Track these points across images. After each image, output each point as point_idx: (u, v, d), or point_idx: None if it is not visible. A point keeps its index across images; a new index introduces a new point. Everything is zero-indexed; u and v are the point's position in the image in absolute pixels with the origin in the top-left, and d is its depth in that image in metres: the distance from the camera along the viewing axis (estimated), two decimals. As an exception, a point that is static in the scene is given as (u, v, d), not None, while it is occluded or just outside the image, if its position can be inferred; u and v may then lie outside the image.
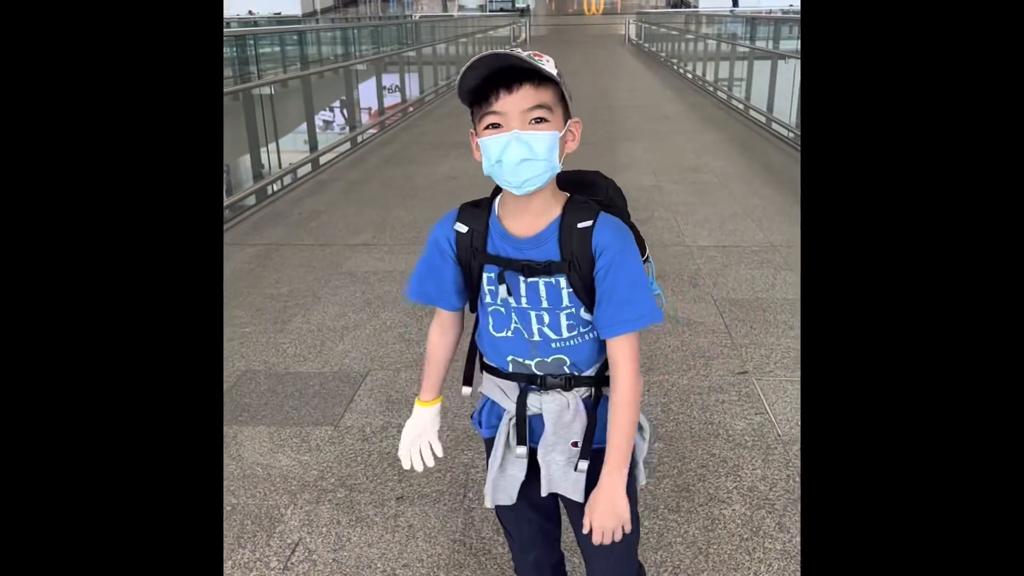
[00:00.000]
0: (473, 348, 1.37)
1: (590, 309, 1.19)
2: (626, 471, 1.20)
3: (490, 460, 1.31)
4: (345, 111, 8.99)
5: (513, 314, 1.22)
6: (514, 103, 1.08)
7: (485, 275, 1.22)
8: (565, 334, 1.21)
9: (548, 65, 1.09)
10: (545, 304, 1.19)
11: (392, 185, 5.97)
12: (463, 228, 1.22)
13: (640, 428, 1.29)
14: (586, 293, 1.18)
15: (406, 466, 1.38)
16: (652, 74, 15.82)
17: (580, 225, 1.16)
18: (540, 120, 1.09)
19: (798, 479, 2.19)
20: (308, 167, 6.64)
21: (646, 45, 22.67)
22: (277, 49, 8.30)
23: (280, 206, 5.48)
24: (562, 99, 1.13)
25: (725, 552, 1.92)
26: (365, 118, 9.51)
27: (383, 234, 4.64)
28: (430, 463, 1.38)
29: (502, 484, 1.31)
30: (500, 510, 1.39)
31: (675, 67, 15.94)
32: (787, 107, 7.83)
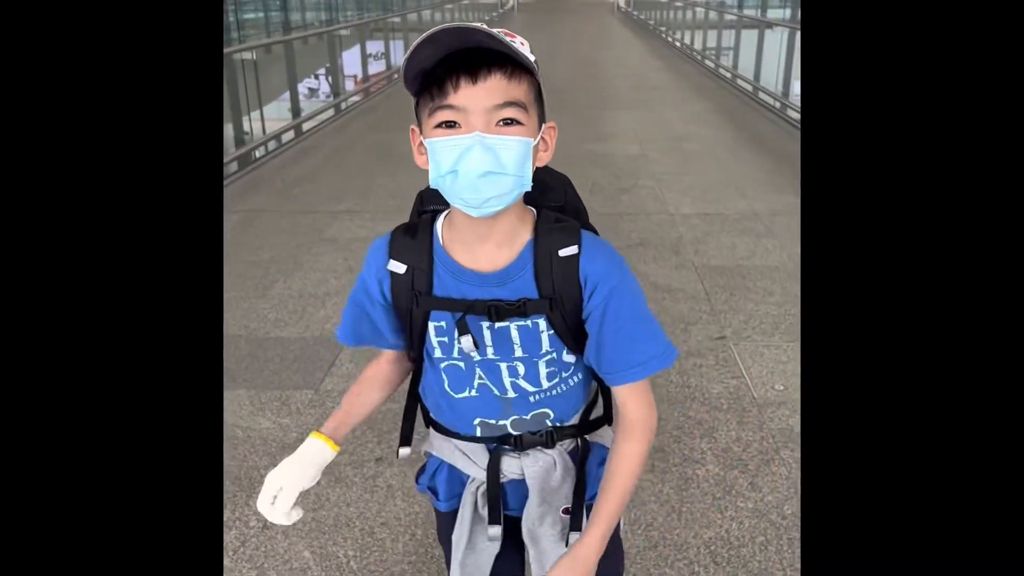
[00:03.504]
0: (413, 402, 1.11)
1: (574, 349, 0.97)
2: (606, 541, 0.95)
3: (454, 536, 1.06)
4: (329, 78, 8.88)
5: (477, 369, 0.97)
6: (479, 96, 0.82)
7: (432, 324, 0.97)
8: (545, 384, 0.98)
9: (524, 50, 0.84)
10: (519, 353, 0.96)
11: (375, 152, 5.93)
12: (399, 268, 0.95)
13: None
14: (571, 334, 0.95)
15: (269, 517, 0.99)
16: (640, 42, 15.69)
17: (563, 252, 0.92)
18: (511, 122, 0.83)
19: (772, 440, 2.23)
20: (291, 133, 6.58)
21: (635, 13, 22.46)
22: (261, 15, 8.18)
23: (263, 172, 5.44)
24: (539, 96, 0.88)
25: (698, 510, 1.96)
26: (350, 85, 9.41)
27: (366, 201, 4.62)
28: (287, 521, 0.99)
29: (472, 561, 1.07)
30: None
31: (664, 35, 15.83)
32: (774, 76, 7.82)
